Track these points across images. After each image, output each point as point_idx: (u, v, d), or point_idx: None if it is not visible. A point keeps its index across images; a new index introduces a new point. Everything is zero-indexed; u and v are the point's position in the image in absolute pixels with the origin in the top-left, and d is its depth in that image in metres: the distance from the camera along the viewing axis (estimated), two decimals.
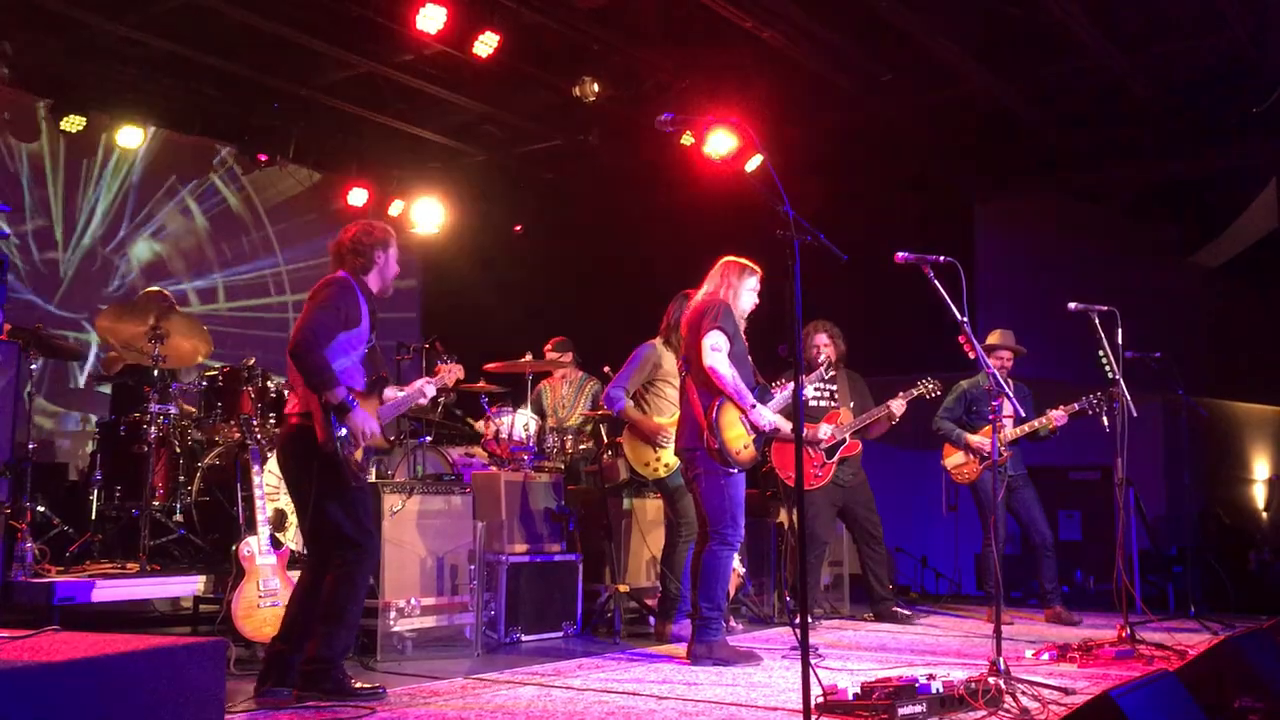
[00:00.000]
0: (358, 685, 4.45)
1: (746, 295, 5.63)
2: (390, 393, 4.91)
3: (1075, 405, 6.94)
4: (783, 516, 7.49)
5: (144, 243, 9.83)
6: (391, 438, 5.53)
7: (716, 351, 5.38)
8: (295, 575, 5.36)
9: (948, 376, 7.52)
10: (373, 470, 6.73)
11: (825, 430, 7.13)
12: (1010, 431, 7.15)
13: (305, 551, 4.77)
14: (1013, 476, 7.32)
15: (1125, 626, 5.70)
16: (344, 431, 4.40)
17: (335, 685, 4.41)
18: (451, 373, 5.33)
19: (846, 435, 7.18)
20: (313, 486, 4.49)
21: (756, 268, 5.65)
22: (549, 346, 8.20)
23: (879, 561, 7.39)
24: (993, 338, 7.39)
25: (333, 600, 4.47)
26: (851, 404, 7.30)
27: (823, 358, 7.11)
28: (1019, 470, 7.39)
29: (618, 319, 8.39)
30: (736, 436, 5.40)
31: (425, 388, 5.02)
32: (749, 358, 5.63)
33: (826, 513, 7.27)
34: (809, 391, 7.15)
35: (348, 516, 4.49)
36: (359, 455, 4.50)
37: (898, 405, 7.11)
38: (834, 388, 7.31)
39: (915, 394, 7.13)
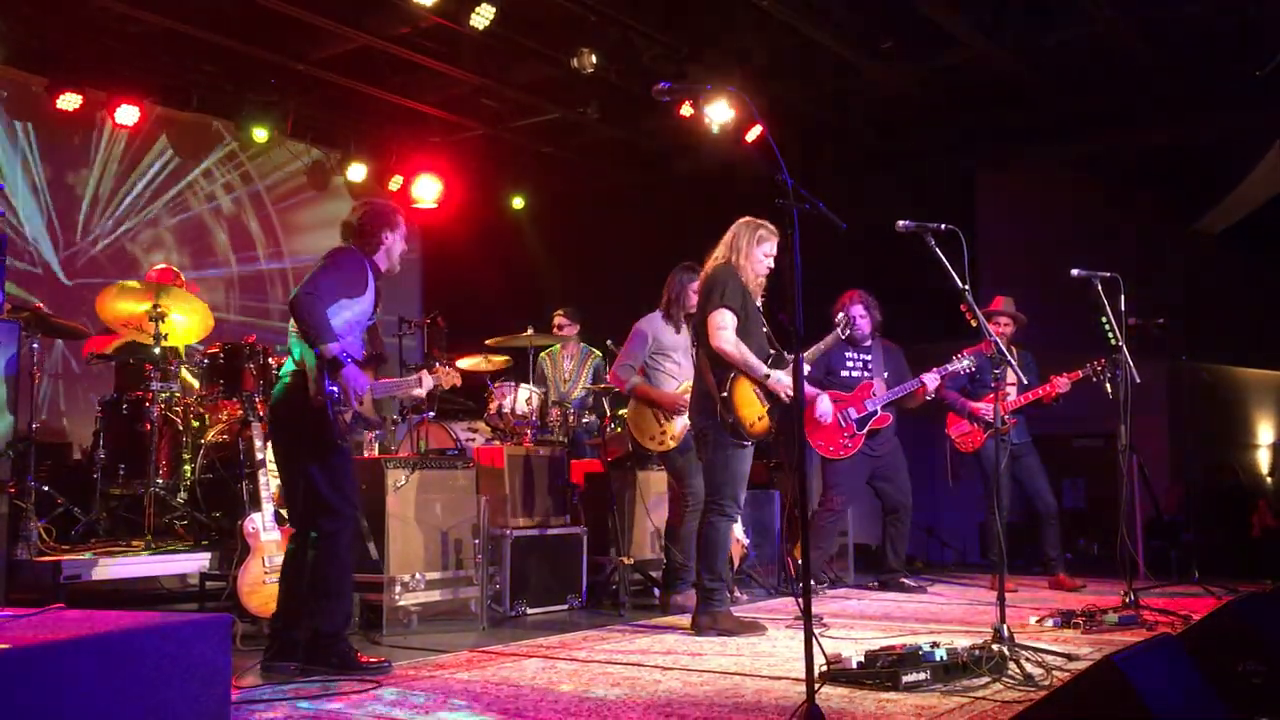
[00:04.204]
0: (363, 659, 4.48)
1: (760, 260, 5.50)
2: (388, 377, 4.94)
3: (1079, 373, 6.93)
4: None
5: (142, 220, 9.80)
6: (383, 415, 5.52)
7: (723, 330, 5.33)
8: None
9: (949, 345, 7.50)
10: (375, 446, 6.74)
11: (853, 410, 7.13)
12: (1013, 400, 7.14)
13: (287, 517, 4.79)
14: (1016, 445, 7.31)
15: (1129, 592, 5.72)
16: (335, 389, 4.40)
17: (341, 659, 4.44)
18: (449, 376, 5.34)
19: (878, 408, 7.17)
20: (297, 446, 4.51)
21: (772, 229, 5.47)
22: (559, 313, 8.18)
23: (900, 534, 7.40)
24: (992, 304, 7.37)
25: (319, 575, 4.49)
26: (886, 375, 7.27)
27: (857, 328, 7.14)
28: (1023, 439, 7.39)
29: (619, 292, 8.38)
30: (751, 411, 5.38)
31: (424, 378, 5.04)
32: (763, 326, 5.56)
33: (851, 482, 7.27)
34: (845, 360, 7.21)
35: (328, 480, 4.48)
36: (348, 417, 4.48)
37: (931, 379, 7.09)
38: (869, 358, 7.29)
39: (952, 368, 7.11)
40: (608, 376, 6.69)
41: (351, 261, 4.59)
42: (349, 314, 4.55)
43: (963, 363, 7.08)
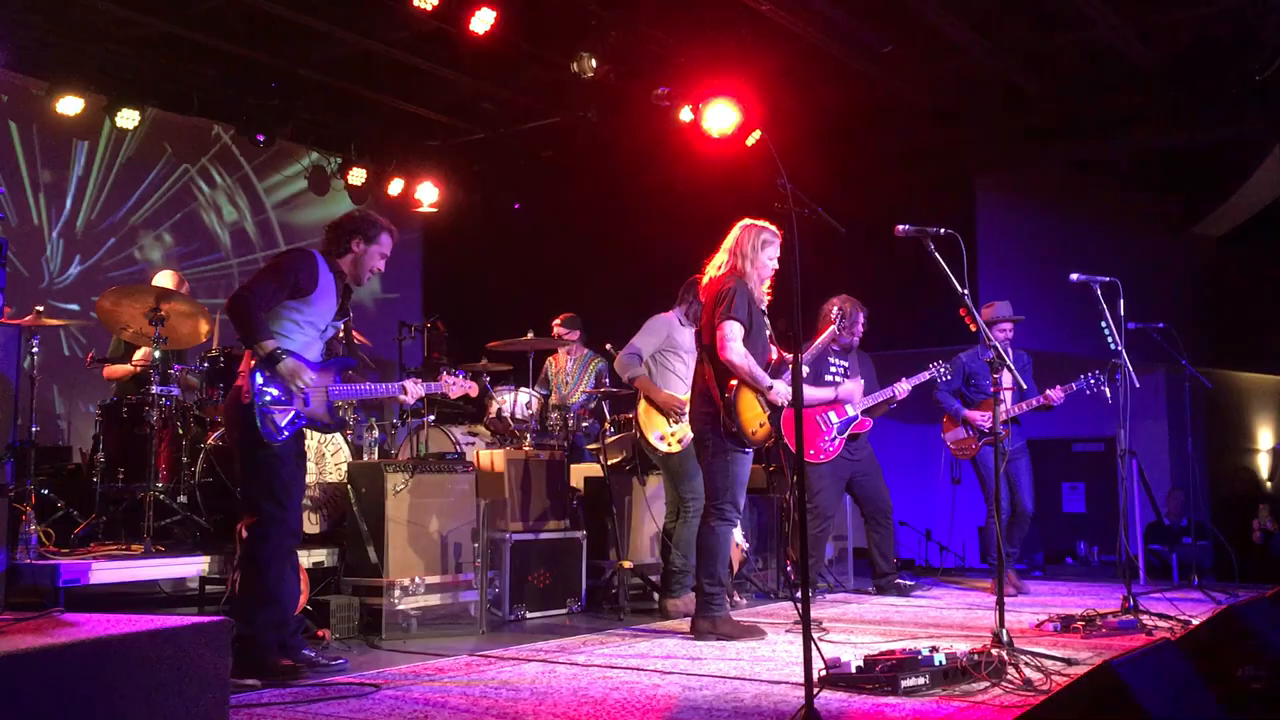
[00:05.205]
0: (285, 664, 4.38)
1: (765, 265, 5.50)
2: (371, 382, 4.85)
3: (1074, 385, 6.93)
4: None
5: (143, 225, 9.81)
6: (342, 417, 5.21)
7: (732, 341, 5.32)
8: (298, 555, 5.39)
9: (948, 349, 7.52)
10: (377, 450, 6.74)
11: (852, 388, 7.09)
12: (1007, 407, 7.13)
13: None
14: (1011, 450, 7.32)
15: (1129, 597, 5.71)
16: (272, 390, 4.34)
17: (251, 663, 4.30)
18: (457, 386, 5.17)
19: (859, 413, 7.18)
20: (234, 446, 4.53)
21: (775, 232, 5.47)
22: (557, 322, 8.19)
23: (885, 537, 7.40)
24: (989, 310, 7.37)
25: (240, 578, 4.46)
26: (861, 382, 7.29)
27: (855, 334, 7.19)
28: (1018, 443, 7.39)
29: (618, 295, 8.38)
30: (753, 417, 5.38)
31: (409, 387, 4.86)
32: (766, 331, 5.56)
33: (834, 487, 7.28)
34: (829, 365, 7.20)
35: (256, 480, 4.45)
36: (282, 419, 4.40)
37: (903, 387, 7.12)
38: (847, 364, 7.32)
39: (925, 377, 7.13)
40: (615, 363, 6.66)
41: (298, 261, 4.55)
42: (299, 315, 4.51)
43: (941, 369, 7.11)
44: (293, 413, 4.44)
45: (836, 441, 7.16)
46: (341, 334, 4.85)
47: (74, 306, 9.00)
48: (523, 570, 6.23)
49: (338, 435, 6.33)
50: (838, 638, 5.38)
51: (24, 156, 9.06)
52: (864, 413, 7.21)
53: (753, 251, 5.48)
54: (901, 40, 8.48)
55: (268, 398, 4.36)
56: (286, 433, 4.46)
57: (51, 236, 9.21)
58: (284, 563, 4.54)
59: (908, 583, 7.30)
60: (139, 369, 6.76)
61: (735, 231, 5.56)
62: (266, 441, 4.39)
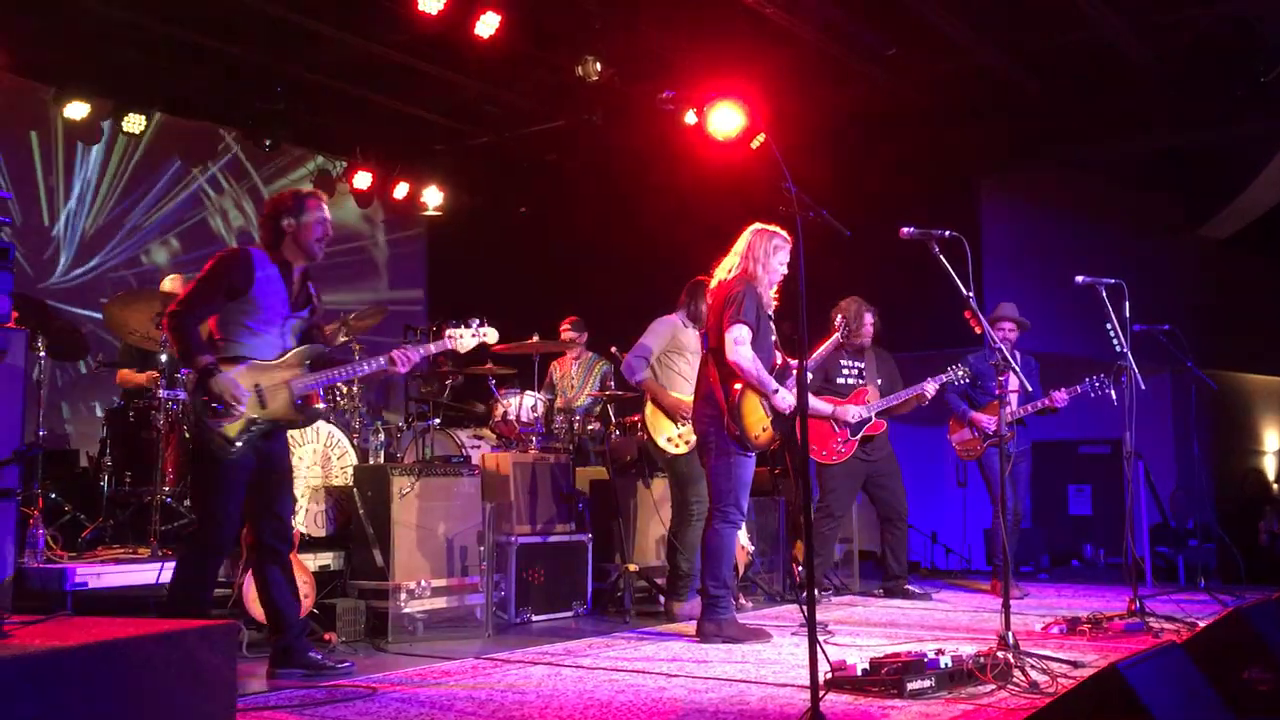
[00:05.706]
0: None
1: (776, 270, 5.52)
2: (350, 364, 4.71)
3: (1078, 388, 6.93)
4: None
5: (149, 230, 9.83)
6: (315, 409, 4.98)
7: (740, 345, 5.34)
8: (304, 558, 5.42)
9: (953, 352, 7.50)
10: (382, 454, 6.75)
11: (852, 412, 7.08)
12: (1013, 409, 7.13)
13: None
14: (1014, 453, 7.31)
15: (1135, 600, 5.70)
16: (216, 403, 4.26)
17: None
18: (464, 338, 4.90)
19: (872, 414, 7.16)
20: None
21: (786, 237, 5.48)
22: (565, 325, 8.20)
23: (899, 540, 7.39)
24: (994, 311, 7.37)
25: (172, 573, 4.45)
26: (879, 382, 7.27)
27: (865, 335, 7.18)
28: (1021, 447, 7.39)
29: (622, 299, 8.38)
30: (756, 421, 5.39)
31: (397, 356, 4.63)
32: (772, 336, 5.58)
33: (846, 487, 7.26)
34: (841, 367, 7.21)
35: (198, 492, 4.45)
36: (230, 430, 4.30)
37: (930, 387, 7.08)
38: (862, 365, 7.30)
39: (946, 379, 7.12)
40: (622, 365, 6.66)
41: (227, 262, 4.43)
42: (246, 316, 4.42)
43: (958, 372, 7.11)
44: (243, 421, 4.33)
45: (849, 443, 7.15)
46: (321, 326, 4.77)
47: (81, 311, 9.02)
48: (528, 573, 6.23)
49: (343, 439, 6.35)
50: (843, 640, 5.38)
51: (36, 160, 9.09)
52: (885, 412, 7.19)
53: (764, 256, 5.49)
54: (904, 42, 8.49)
55: (207, 409, 4.28)
56: (239, 443, 4.34)
57: (59, 240, 9.23)
58: (207, 582, 4.51)
59: (917, 590, 7.29)
60: (149, 382, 6.76)
61: (747, 236, 5.57)
62: (216, 456, 4.31)
